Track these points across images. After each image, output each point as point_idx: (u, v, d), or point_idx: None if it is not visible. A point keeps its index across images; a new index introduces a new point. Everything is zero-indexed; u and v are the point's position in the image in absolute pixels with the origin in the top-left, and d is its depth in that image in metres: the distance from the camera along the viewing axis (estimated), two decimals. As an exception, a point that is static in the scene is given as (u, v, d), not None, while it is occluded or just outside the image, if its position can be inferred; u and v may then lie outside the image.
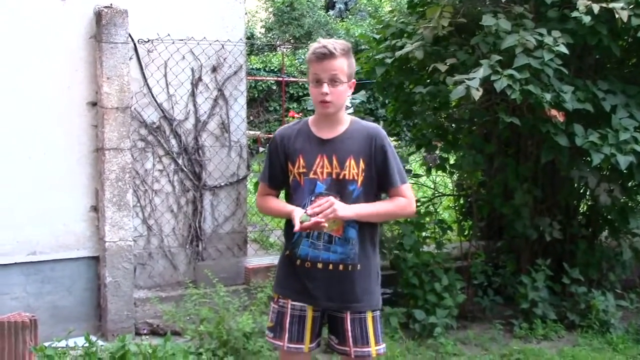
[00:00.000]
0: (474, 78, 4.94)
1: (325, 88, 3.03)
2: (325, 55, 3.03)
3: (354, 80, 3.16)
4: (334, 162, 3.10)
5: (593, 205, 6.25)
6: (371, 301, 3.20)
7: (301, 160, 3.13)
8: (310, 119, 3.24)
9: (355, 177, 3.09)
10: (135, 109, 5.43)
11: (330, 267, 3.11)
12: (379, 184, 3.16)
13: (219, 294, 5.14)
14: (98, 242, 5.29)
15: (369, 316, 3.19)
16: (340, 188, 3.09)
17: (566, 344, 5.57)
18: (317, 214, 2.96)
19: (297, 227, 2.98)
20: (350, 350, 3.17)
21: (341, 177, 3.09)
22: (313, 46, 3.10)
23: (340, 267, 3.12)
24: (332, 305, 3.16)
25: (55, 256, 5.18)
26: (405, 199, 3.17)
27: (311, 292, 3.13)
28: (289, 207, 3.10)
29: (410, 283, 5.63)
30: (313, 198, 3.08)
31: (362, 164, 3.10)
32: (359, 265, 3.14)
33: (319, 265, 3.12)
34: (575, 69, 5.62)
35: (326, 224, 2.97)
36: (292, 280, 3.18)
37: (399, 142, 8.74)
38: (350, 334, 3.16)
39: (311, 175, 3.10)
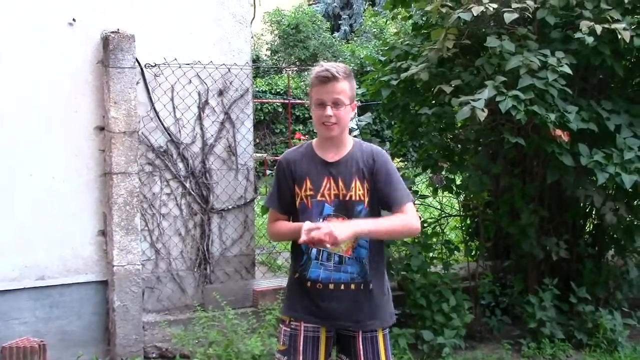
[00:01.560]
0: (479, 99, 4.97)
1: (329, 111, 3.07)
2: (329, 79, 3.07)
3: (355, 102, 3.21)
4: (340, 184, 3.14)
5: (599, 224, 6.26)
6: (382, 319, 3.24)
7: (308, 183, 3.16)
8: (314, 141, 3.28)
9: (362, 198, 3.14)
10: (142, 133, 5.47)
11: (342, 287, 3.14)
12: (384, 203, 3.19)
13: (227, 317, 5.15)
14: (106, 266, 5.31)
15: (380, 335, 3.22)
16: (347, 209, 3.13)
17: (575, 363, 5.58)
18: (315, 240, 2.91)
19: (302, 239, 2.93)
20: None
21: (348, 198, 3.13)
22: (316, 70, 3.15)
23: (352, 286, 3.15)
24: (344, 325, 3.18)
25: (63, 281, 5.20)
26: (406, 216, 3.12)
27: (324, 313, 3.16)
28: (299, 223, 3.08)
29: (418, 304, 5.63)
30: (321, 220, 3.11)
31: (366, 185, 3.14)
32: (370, 284, 3.17)
33: (331, 286, 3.15)
34: (579, 89, 5.64)
35: (327, 245, 2.93)
36: (304, 301, 3.20)
37: (406, 163, 8.77)
38: (362, 353, 3.19)
39: (319, 198, 3.14)
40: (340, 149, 3.20)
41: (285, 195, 3.23)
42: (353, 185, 3.13)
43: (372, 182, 3.15)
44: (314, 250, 3.13)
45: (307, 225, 2.95)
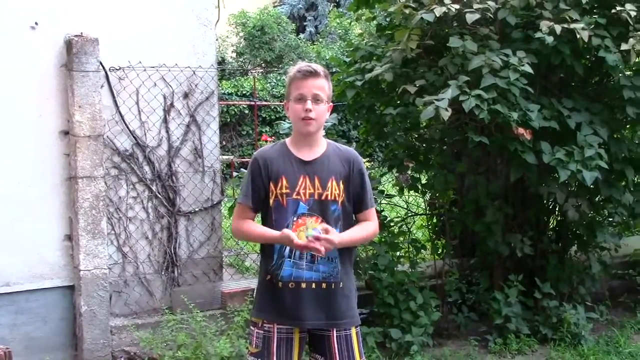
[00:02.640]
0: (443, 99, 5.03)
1: (309, 105, 3.15)
2: (311, 73, 3.17)
3: (331, 103, 3.27)
4: (316, 183, 3.19)
5: (562, 220, 6.36)
6: (354, 317, 3.30)
7: (284, 181, 3.19)
8: (288, 140, 3.32)
9: (337, 198, 3.20)
10: (107, 136, 5.44)
11: (314, 285, 3.18)
12: (354, 205, 3.27)
13: (195, 319, 5.15)
14: (73, 271, 5.27)
15: (353, 333, 3.27)
16: (322, 208, 3.18)
17: (540, 357, 5.66)
18: (318, 241, 3.05)
19: (301, 241, 3.04)
20: None
21: (323, 197, 3.18)
22: (297, 66, 3.25)
23: (324, 285, 3.19)
24: (318, 324, 3.21)
25: (29, 286, 5.15)
26: (373, 223, 3.35)
27: (296, 313, 3.18)
28: (276, 232, 3.15)
29: (386, 302, 5.68)
30: (295, 218, 3.15)
31: (342, 185, 3.21)
32: (341, 283, 3.23)
33: (303, 285, 3.18)
34: (540, 87, 5.73)
35: (323, 251, 3.06)
36: (277, 303, 3.22)
37: (372, 163, 8.81)
38: (337, 351, 3.22)
39: (294, 196, 3.18)
40: (316, 148, 3.26)
41: (259, 193, 3.25)
42: (329, 184, 3.19)
43: (347, 184, 3.22)
44: (287, 249, 3.16)
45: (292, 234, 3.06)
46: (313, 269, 3.17)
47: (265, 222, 3.28)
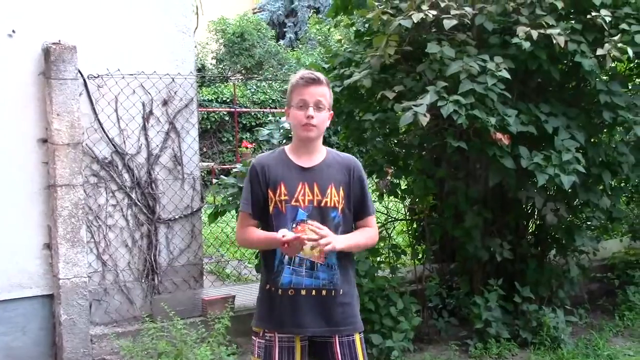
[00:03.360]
0: (421, 104, 5.04)
1: (311, 111, 3.15)
2: (314, 81, 3.19)
3: (331, 112, 3.28)
4: (316, 189, 3.19)
5: (541, 224, 6.39)
6: (356, 324, 3.29)
7: (282, 188, 3.19)
8: (287, 148, 3.32)
9: (337, 205, 3.20)
10: (86, 144, 5.42)
11: (314, 292, 3.17)
12: (355, 212, 3.28)
13: (176, 327, 5.13)
14: (52, 280, 5.24)
15: (357, 339, 3.27)
16: (322, 215, 3.17)
17: (520, 361, 5.70)
18: (310, 238, 3.03)
19: (280, 235, 3.03)
20: None
21: (323, 204, 3.18)
22: (299, 73, 3.26)
23: (324, 292, 3.18)
24: (320, 331, 3.20)
25: (7, 296, 5.12)
26: (373, 229, 3.36)
27: (297, 320, 3.17)
28: (274, 233, 3.13)
29: (367, 308, 5.66)
30: (294, 225, 3.14)
31: (342, 192, 3.21)
32: (341, 290, 3.22)
33: (303, 292, 3.17)
34: (518, 93, 5.76)
35: (307, 242, 3.04)
36: (277, 312, 3.21)
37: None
38: (340, 357, 3.22)
39: (293, 203, 3.17)
40: (315, 155, 3.26)
41: (259, 200, 3.24)
42: (329, 191, 3.19)
43: (347, 191, 3.23)
44: (287, 256, 3.15)
45: (284, 231, 3.05)
46: (313, 276, 3.17)
47: (264, 229, 3.26)
